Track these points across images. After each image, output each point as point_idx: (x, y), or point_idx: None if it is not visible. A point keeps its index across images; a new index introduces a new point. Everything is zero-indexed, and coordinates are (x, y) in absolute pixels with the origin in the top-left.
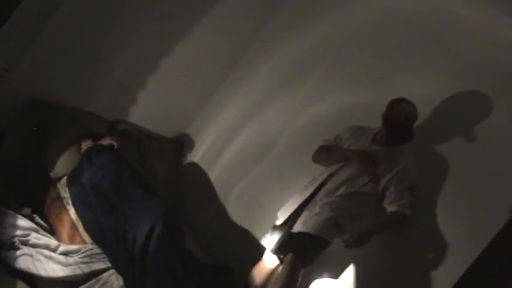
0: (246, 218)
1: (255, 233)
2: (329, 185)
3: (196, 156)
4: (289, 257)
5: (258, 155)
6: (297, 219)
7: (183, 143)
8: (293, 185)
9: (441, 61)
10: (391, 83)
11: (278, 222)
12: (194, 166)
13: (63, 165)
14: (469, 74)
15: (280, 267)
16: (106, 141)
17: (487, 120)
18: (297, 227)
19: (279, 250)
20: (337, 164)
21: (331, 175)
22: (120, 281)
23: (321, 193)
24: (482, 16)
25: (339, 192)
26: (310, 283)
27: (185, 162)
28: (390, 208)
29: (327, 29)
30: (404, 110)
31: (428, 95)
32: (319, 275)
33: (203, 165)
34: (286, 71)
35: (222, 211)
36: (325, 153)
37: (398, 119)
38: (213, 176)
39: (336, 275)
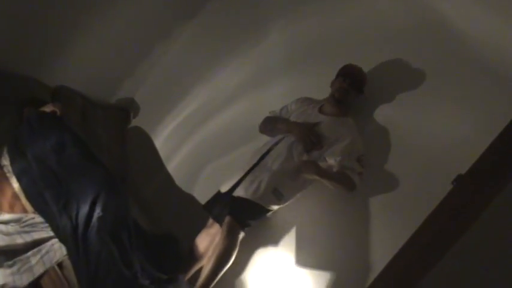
0: (191, 186)
1: (200, 200)
2: (273, 153)
3: (140, 122)
4: (227, 220)
5: (204, 119)
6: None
7: (128, 111)
8: (241, 153)
9: None
10: None
11: (223, 190)
12: (139, 131)
13: (2, 132)
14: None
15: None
16: (48, 108)
17: (428, 88)
18: (238, 192)
19: (220, 216)
20: (283, 134)
21: (276, 144)
22: (63, 250)
23: (266, 160)
24: None
25: (282, 160)
26: (252, 252)
27: (130, 126)
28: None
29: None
30: (355, 65)
31: None
32: (262, 243)
33: (147, 128)
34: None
35: (166, 179)
36: (271, 125)
37: (355, 69)
38: (158, 143)
39: (276, 243)
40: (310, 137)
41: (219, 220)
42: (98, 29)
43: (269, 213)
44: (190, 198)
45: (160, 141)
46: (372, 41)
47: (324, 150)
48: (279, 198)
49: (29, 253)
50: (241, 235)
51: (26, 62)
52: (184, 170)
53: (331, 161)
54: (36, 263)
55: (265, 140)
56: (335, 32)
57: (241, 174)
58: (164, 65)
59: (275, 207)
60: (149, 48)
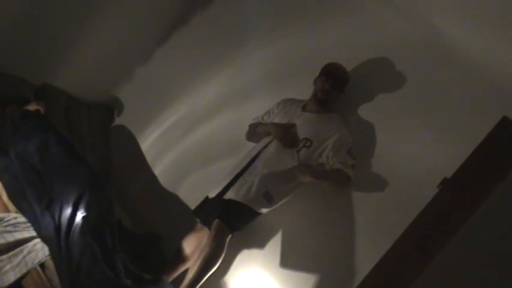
0: (178, 187)
1: (187, 203)
2: (263, 156)
3: (126, 121)
4: (216, 223)
5: (192, 122)
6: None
7: (112, 109)
8: (226, 162)
9: None
10: None
11: (211, 195)
12: (123, 130)
13: None
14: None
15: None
16: (32, 107)
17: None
18: (229, 195)
19: (209, 220)
20: (270, 137)
21: (264, 147)
22: (46, 250)
23: (255, 164)
24: None
25: (271, 163)
26: (236, 253)
27: (113, 124)
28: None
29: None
30: (338, 64)
31: None
32: (247, 245)
33: (133, 131)
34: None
35: (152, 179)
36: (253, 131)
37: (337, 69)
38: (144, 143)
39: (261, 244)
40: (286, 137)
41: (207, 224)
42: (85, 29)
43: (258, 217)
44: (175, 198)
45: (146, 146)
46: (356, 56)
47: (314, 148)
48: (270, 201)
49: (10, 253)
50: (229, 238)
51: (11, 60)
52: (170, 173)
53: (323, 159)
54: (18, 263)
55: (250, 146)
56: (318, 47)
57: (230, 178)
58: (149, 74)
59: (265, 211)
60: (135, 55)
